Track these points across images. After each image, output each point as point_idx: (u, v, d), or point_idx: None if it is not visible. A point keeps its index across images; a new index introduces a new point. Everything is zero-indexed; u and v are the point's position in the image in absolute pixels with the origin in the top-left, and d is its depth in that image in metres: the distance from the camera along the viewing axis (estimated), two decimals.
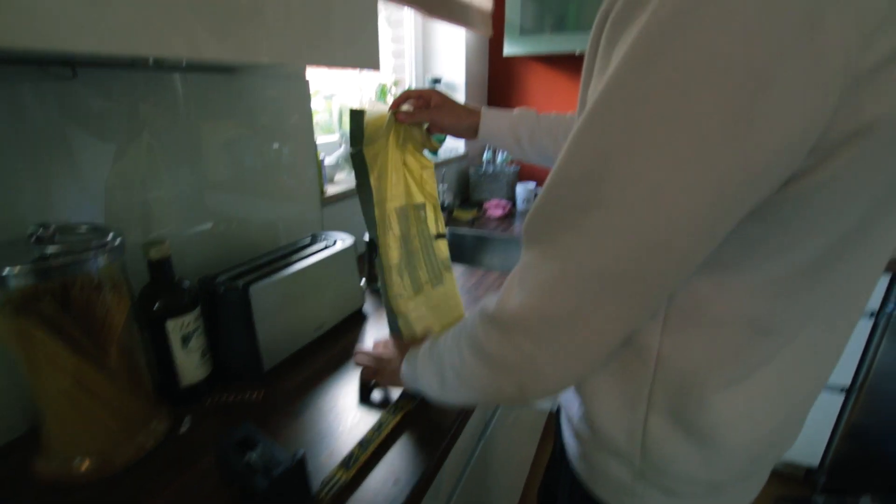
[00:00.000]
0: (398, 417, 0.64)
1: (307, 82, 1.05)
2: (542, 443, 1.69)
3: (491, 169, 1.90)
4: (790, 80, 0.25)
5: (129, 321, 0.59)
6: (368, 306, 1.01)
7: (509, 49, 1.74)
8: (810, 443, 1.57)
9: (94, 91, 0.66)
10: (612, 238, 0.31)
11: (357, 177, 0.69)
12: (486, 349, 0.39)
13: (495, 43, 1.95)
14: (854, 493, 1.51)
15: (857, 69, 0.25)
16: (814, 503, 1.53)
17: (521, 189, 1.84)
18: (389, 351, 0.69)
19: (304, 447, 0.60)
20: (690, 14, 0.26)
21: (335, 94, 1.43)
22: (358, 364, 0.72)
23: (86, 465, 0.57)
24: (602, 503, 0.50)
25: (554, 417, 0.59)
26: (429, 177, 0.77)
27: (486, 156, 1.96)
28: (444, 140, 1.84)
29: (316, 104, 1.17)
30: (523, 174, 2.03)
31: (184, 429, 0.64)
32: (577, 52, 1.77)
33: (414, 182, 0.75)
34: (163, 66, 0.73)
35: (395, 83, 1.72)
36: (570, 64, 1.90)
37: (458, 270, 0.83)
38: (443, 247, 0.82)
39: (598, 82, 0.33)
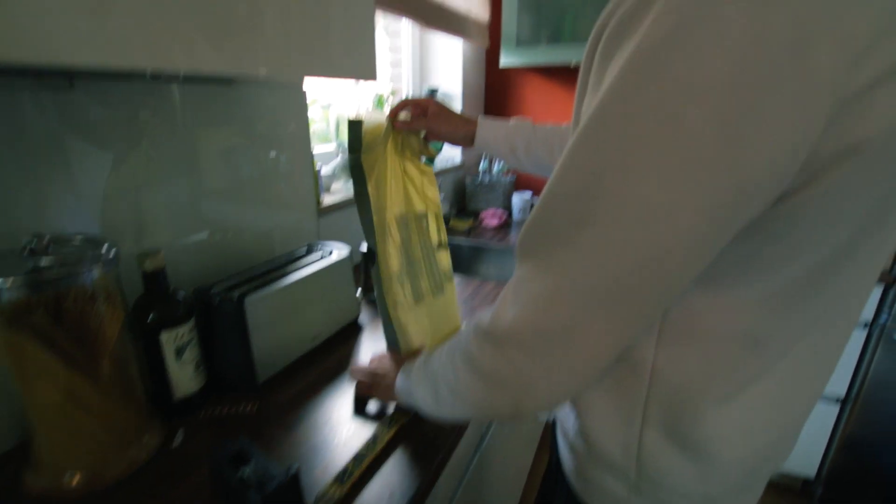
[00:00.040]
0: (393, 431, 0.64)
1: (304, 92, 1.06)
2: (538, 453, 1.68)
3: (487, 179, 1.91)
4: (779, 101, 0.25)
5: (123, 333, 0.59)
6: (364, 317, 1.01)
7: (506, 60, 1.75)
8: (806, 453, 1.57)
9: (92, 100, 0.66)
10: (606, 254, 0.31)
11: (355, 185, 0.69)
12: (481, 364, 0.39)
13: (492, 54, 1.97)
14: None
15: (845, 91, 0.25)
16: None
17: (518, 199, 1.85)
18: (385, 365, 0.68)
19: (299, 461, 0.59)
20: (682, 36, 0.26)
21: (332, 104, 1.44)
22: (353, 379, 0.71)
23: (77, 479, 0.56)
24: None
25: (550, 429, 0.59)
26: (429, 182, 0.77)
27: (482, 165, 1.96)
28: (441, 148, 1.85)
29: (313, 113, 1.17)
30: (519, 184, 2.04)
31: (177, 442, 0.63)
32: (573, 64, 1.79)
33: (414, 189, 0.75)
34: (160, 77, 0.73)
35: (393, 93, 1.73)
36: (565, 75, 1.92)
37: (454, 280, 0.83)
38: (444, 257, 0.81)
39: (592, 98, 0.33)
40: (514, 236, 1.69)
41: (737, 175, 0.28)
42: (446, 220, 1.82)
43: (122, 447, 0.59)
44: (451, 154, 1.96)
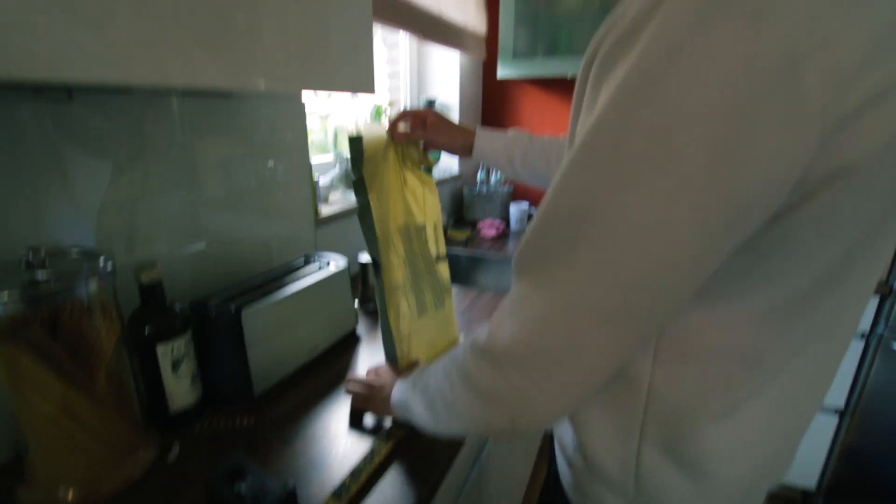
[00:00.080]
0: (390, 445, 0.64)
1: (303, 102, 1.06)
2: (537, 464, 1.67)
3: (485, 189, 1.92)
4: (769, 124, 0.26)
5: (119, 346, 0.58)
6: (361, 328, 1.01)
7: (503, 72, 1.77)
8: (806, 465, 1.56)
9: (91, 112, 0.66)
10: (602, 274, 0.31)
11: (358, 197, 0.70)
12: (477, 382, 0.39)
13: (489, 65, 1.99)
14: None
15: (835, 115, 0.26)
16: None
17: (515, 209, 1.86)
18: (381, 378, 0.68)
19: (295, 476, 0.59)
20: (674, 60, 0.27)
21: (330, 115, 1.45)
22: (349, 392, 0.71)
23: (71, 494, 0.55)
24: None
25: (548, 441, 0.59)
26: (430, 193, 0.78)
27: (479, 175, 1.97)
28: (439, 157, 1.86)
29: (311, 124, 1.18)
30: (517, 194, 2.04)
31: (172, 457, 0.63)
32: (569, 76, 1.80)
33: (414, 201, 0.75)
34: (159, 91, 0.73)
35: (391, 104, 1.74)
36: (562, 86, 1.94)
37: (453, 291, 0.84)
38: (444, 269, 0.82)
39: (586, 118, 0.34)
40: (512, 246, 1.70)
41: (729, 195, 0.28)
42: (444, 231, 1.82)
43: (117, 462, 0.58)
44: (448, 164, 1.97)
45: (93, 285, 0.54)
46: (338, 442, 0.65)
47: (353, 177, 0.68)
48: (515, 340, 0.35)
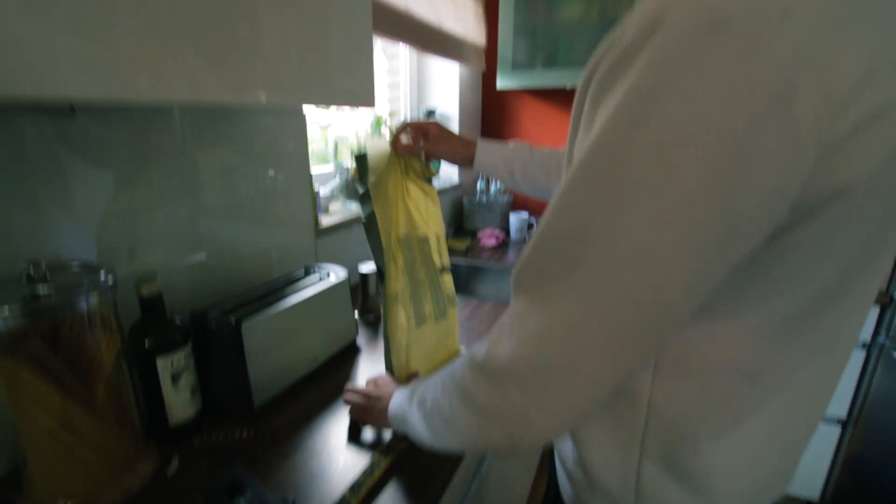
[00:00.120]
0: (390, 459, 0.63)
1: (303, 112, 1.07)
2: (538, 477, 1.65)
3: (485, 199, 1.92)
4: (765, 148, 0.26)
5: (119, 359, 0.58)
6: (361, 339, 1.01)
7: (502, 83, 1.78)
8: (809, 475, 1.55)
9: (93, 123, 0.67)
10: (600, 293, 0.31)
11: (363, 209, 0.71)
12: (475, 399, 0.39)
13: (488, 76, 2.00)
14: None
15: (829, 137, 0.26)
16: None
17: (515, 219, 1.86)
18: (379, 389, 0.68)
19: (295, 490, 0.59)
20: (670, 83, 0.27)
21: (331, 125, 1.46)
22: (347, 402, 0.71)
23: None
24: None
25: (549, 454, 0.58)
26: (433, 204, 0.78)
27: (479, 185, 1.98)
28: (439, 166, 1.87)
29: (311, 134, 1.18)
30: (517, 204, 2.05)
31: (171, 470, 0.62)
32: (568, 87, 1.82)
33: (417, 212, 0.76)
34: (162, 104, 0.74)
35: (391, 114, 1.75)
36: (560, 97, 1.95)
37: (457, 304, 0.84)
38: (448, 281, 0.82)
39: (584, 138, 0.34)
40: (512, 256, 1.70)
41: (726, 216, 0.28)
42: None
43: (116, 475, 0.58)
44: (448, 174, 1.98)
45: (93, 299, 0.54)
46: (337, 455, 0.65)
47: (358, 189, 0.70)
48: (514, 358, 0.35)
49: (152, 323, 0.64)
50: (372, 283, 1.10)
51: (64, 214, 0.65)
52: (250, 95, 0.57)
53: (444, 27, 1.55)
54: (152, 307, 0.64)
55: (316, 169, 1.36)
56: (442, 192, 1.86)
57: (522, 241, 1.87)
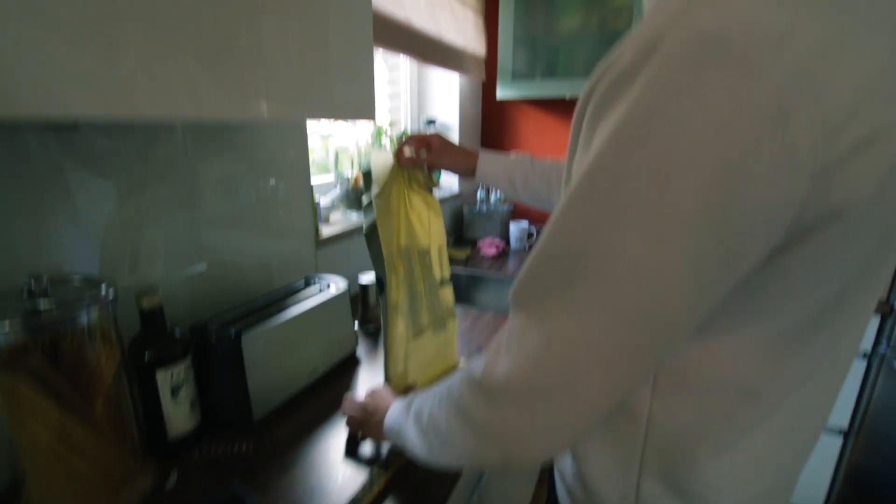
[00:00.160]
0: (389, 474, 0.63)
1: (304, 122, 1.08)
2: (537, 491, 1.64)
3: (485, 208, 1.93)
4: (762, 170, 0.26)
5: (119, 373, 0.58)
6: (361, 350, 1.01)
7: (502, 93, 1.80)
8: (812, 486, 1.54)
9: (96, 135, 0.67)
10: (598, 312, 0.32)
11: (366, 218, 0.73)
12: (471, 416, 0.39)
13: (488, 86, 2.01)
14: None
15: (825, 160, 0.26)
16: None
17: (515, 228, 1.86)
18: (374, 402, 0.67)
19: None
20: (668, 106, 0.27)
21: (331, 134, 1.46)
22: (345, 413, 0.71)
23: None
24: None
25: (549, 468, 0.58)
26: (435, 216, 0.79)
27: (479, 195, 1.98)
28: (439, 176, 1.88)
29: (312, 143, 1.19)
30: (517, 213, 2.05)
31: (170, 484, 0.62)
32: (567, 97, 1.83)
33: (420, 223, 0.77)
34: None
35: (391, 124, 1.76)
36: (560, 107, 1.96)
37: (457, 316, 0.84)
38: (448, 293, 0.82)
39: (582, 156, 0.34)
40: (512, 265, 1.70)
41: (723, 238, 0.28)
42: None
43: (115, 490, 0.58)
44: (448, 183, 1.99)
45: (94, 313, 0.54)
46: (336, 470, 0.65)
47: (363, 200, 0.72)
48: (511, 376, 0.36)
49: (152, 336, 0.64)
50: (372, 293, 1.11)
51: (66, 225, 0.66)
52: (252, 111, 0.57)
53: (444, 38, 1.56)
54: (153, 320, 0.64)
55: (316, 179, 1.37)
56: (442, 201, 1.86)
57: (522, 251, 1.87)
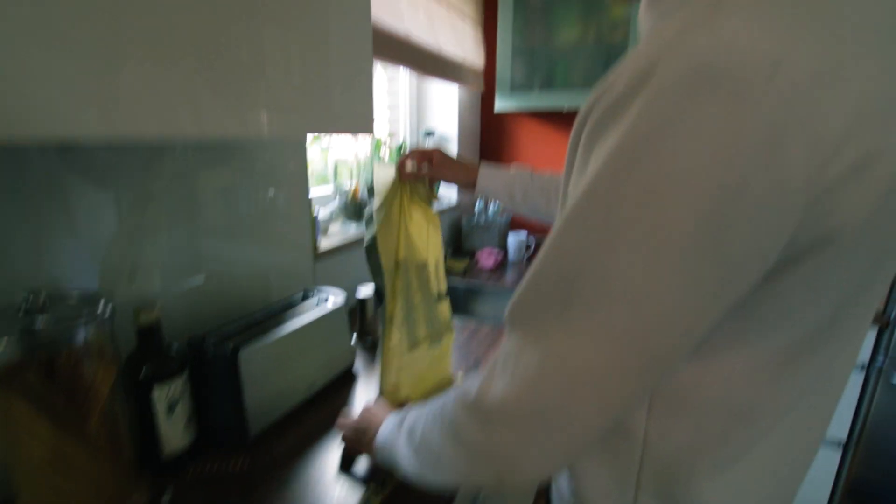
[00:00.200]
0: (386, 492, 0.63)
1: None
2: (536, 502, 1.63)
3: (483, 219, 1.93)
4: (754, 197, 0.27)
5: (114, 390, 0.58)
6: (359, 363, 1.00)
7: (500, 104, 1.81)
8: (811, 500, 1.53)
9: (95, 147, 0.67)
10: (593, 334, 0.32)
11: (367, 230, 0.75)
12: (465, 437, 0.39)
13: (487, 97, 2.03)
14: None
15: (818, 186, 0.27)
16: None
17: (513, 239, 1.87)
18: (367, 419, 0.66)
19: None
20: (663, 132, 0.28)
21: (331, 146, 1.47)
22: (339, 430, 0.70)
23: None
24: None
25: (546, 485, 0.58)
26: (434, 230, 0.80)
27: (477, 206, 1.99)
28: (438, 187, 1.89)
29: (311, 154, 1.19)
30: (515, 223, 2.06)
31: (164, 502, 0.62)
32: (565, 109, 1.84)
33: (419, 236, 0.77)
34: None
35: (390, 135, 1.77)
36: (558, 119, 1.97)
37: (454, 330, 0.84)
38: (444, 307, 0.82)
39: (578, 178, 0.35)
40: (510, 276, 1.70)
41: (718, 262, 0.29)
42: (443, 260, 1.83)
43: None
44: (446, 194, 1.99)
45: (91, 330, 0.54)
46: (332, 489, 0.64)
47: (365, 215, 0.75)
48: (506, 398, 0.36)
49: (149, 352, 0.64)
50: (370, 306, 1.11)
51: (66, 238, 0.66)
52: (252, 127, 0.58)
53: (443, 51, 1.57)
54: (150, 336, 0.64)
55: (316, 191, 1.37)
56: (440, 213, 1.87)
57: (521, 262, 1.87)
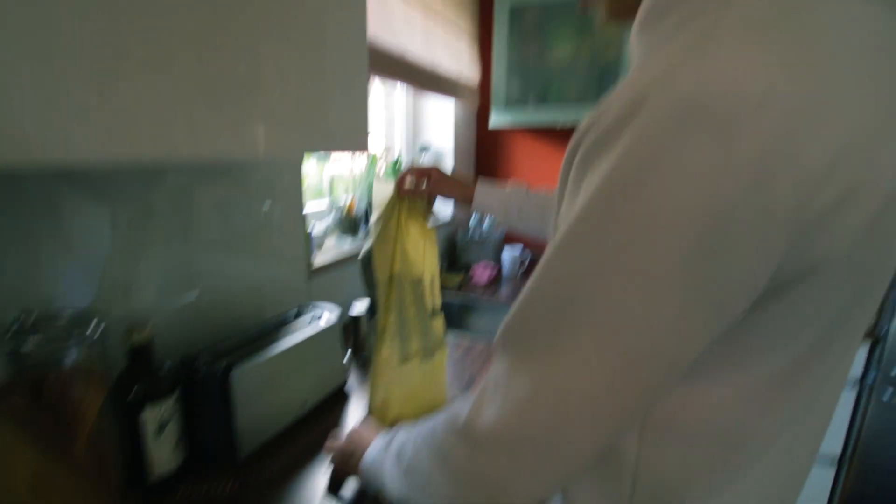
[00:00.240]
0: None
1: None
2: None
3: (478, 234, 1.94)
4: (741, 228, 0.27)
5: (103, 412, 0.57)
6: (353, 379, 0.99)
7: (495, 119, 1.83)
8: None
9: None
10: (584, 362, 0.32)
11: (364, 244, 0.76)
12: (455, 463, 0.39)
13: (482, 112, 2.05)
14: None
15: (803, 219, 0.27)
16: None
17: (508, 253, 1.87)
18: (354, 442, 0.65)
19: None
20: (652, 165, 0.28)
21: (327, 161, 1.47)
22: (328, 452, 0.69)
23: None
24: None
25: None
26: (430, 247, 0.81)
27: (472, 221, 2.00)
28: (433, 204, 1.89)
29: (307, 168, 1.19)
30: (510, 238, 2.07)
31: None
32: (559, 125, 1.86)
33: (415, 251, 0.78)
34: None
35: (386, 150, 1.78)
36: (552, 135, 1.99)
37: (446, 348, 0.84)
38: (438, 324, 0.82)
39: (569, 205, 0.35)
40: (505, 291, 1.70)
41: (707, 291, 0.29)
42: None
43: None
44: (441, 210, 2.00)
45: (81, 352, 0.53)
46: None
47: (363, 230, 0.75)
48: (497, 424, 0.35)
49: (139, 373, 0.63)
50: (364, 322, 1.10)
51: (59, 255, 0.65)
52: (249, 148, 0.58)
53: (439, 67, 1.59)
54: (141, 355, 0.63)
55: (311, 206, 1.37)
56: (435, 227, 1.87)
57: (515, 277, 1.87)
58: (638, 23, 0.38)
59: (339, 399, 0.92)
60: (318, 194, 1.47)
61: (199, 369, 0.70)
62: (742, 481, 0.40)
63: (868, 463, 1.43)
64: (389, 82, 1.64)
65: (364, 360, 1.08)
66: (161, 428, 0.64)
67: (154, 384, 0.64)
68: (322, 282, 1.21)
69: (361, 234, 1.41)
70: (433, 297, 0.81)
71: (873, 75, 0.28)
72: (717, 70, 0.27)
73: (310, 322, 0.88)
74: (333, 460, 0.68)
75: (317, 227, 1.30)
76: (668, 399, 0.38)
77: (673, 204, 0.28)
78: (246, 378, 0.71)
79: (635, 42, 0.39)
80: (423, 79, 1.50)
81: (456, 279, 1.77)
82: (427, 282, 0.80)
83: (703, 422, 0.38)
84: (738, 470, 0.39)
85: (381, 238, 0.75)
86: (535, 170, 2.05)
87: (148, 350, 0.64)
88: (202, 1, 0.48)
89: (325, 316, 0.91)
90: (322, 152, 0.73)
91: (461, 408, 0.40)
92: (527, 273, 1.89)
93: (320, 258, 1.23)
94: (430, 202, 0.83)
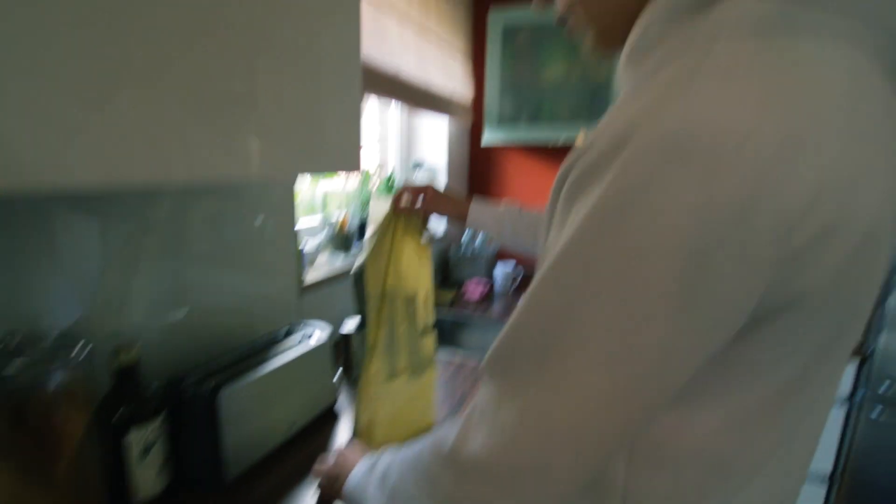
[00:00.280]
0: None
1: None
2: None
3: (470, 251, 1.94)
4: (724, 262, 0.28)
5: (86, 436, 0.56)
6: (343, 399, 0.99)
7: (488, 136, 1.85)
8: None
9: None
10: (571, 391, 0.32)
11: (357, 260, 0.77)
12: (440, 490, 0.39)
13: (475, 129, 2.07)
14: None
15: (785, 252, 0.28)
16: None
17: (500, 270, 1.88)
18: (338, 465, 0.64)
19: None
20: (637, 200, 0.29)
21: (320, 178, 1.48)
22: (315, 476, 0.69)
23: None
24: None
25: None
26: (424, 264, 0.82)
27: (465, 237, 2.00)
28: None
29: (299, 184, 1.19)
30: (502, 254, 2.07)
31: None
32: (550, 145, 1.89)
33: (409, 269, 0.78)
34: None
35: (379, 167, 1.79)
36: (545, 154, 2.01)
37: (436, 367, 0.83)
38: (429, 342, 0.82)
39: (556, 235, 0.35)
40: (497, 307, 1.70)
41: (691, 322, 0.30)
42: None
43: None
44: (434, 227, 2.01)
45: (66, 374, 0.52)
46: None
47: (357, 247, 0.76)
48: (483, 453, 0.35)
49: (125, 395, 0.62)
50: (356, 340, 1.09)
51: (48, 272, 0.64)
52: (242, 169, 0.58)
53: (433, 87, 1.61)
54: (128, 377, 0.63)
55: (303, 221, 1.37)
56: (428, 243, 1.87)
57: (507, 293, 1.87)
58: (625, 56, 0.39)
59: (328, 419, 0.91)
60: (311, 210, 1.47)
61: (187, 390, 0.69)
62: None
63: (858, 480, 1.43)
64: (384, 100, 1.65)
65: (354, 379, 1.07)
66: (146, 450, 0.63)
67: (140, 405, 0.63)
68: (313, 299, 1.20)
69: (354, 250, 1.41)
70: (427, 315, 0.81)
71: (852, 115, 0.29)
72: (700, 109, 0.28)
73: (300, 341, 0.88)
74: (320, 484, 0.67)
75: (309, 244, 1.30)
76: (655, 426, 0.38)
77: (657, 237, 0.28)
78: (234, 399, 0.70)
79: (623, 75, 0.40)
80: (417, 97, 1.52)
81: (448, 295, 1.77)
82: (421, 299, 0.80)
83: (688, 448, 0.38)
84: (726, 496, 0.39)
85: (374, 253, 0.76)
86: (528, 187, 2.06)
87: (135, 371, 0.63)
88: (195, 24, 0.49)
89: (316, 334, 0.90)
90: (315, 174, 0.73)
91: (448, 433, 0.40)
92: (519, 289, 1.89)
93: (312, 275, 1.23)
94: (426, 219, 0.84)
